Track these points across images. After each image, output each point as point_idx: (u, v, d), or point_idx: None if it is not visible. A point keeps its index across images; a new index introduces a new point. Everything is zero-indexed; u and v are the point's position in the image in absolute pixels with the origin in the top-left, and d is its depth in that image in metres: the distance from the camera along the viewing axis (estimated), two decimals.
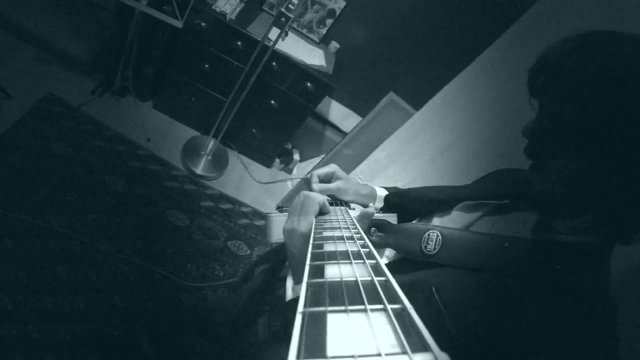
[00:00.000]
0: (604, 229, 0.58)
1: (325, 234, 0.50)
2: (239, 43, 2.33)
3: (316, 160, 2.89)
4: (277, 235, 0.73)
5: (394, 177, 2.21)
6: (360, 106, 2.84)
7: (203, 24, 2.27)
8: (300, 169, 2.96)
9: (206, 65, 2.44)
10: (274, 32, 2.07)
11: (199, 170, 2.60)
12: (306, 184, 0.98)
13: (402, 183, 2.13)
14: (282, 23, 2.05)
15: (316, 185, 0.94)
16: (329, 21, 2.53)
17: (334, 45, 2.59)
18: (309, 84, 2.43)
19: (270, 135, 2.77)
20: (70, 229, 2.02)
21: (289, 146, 2.97)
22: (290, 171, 2.97)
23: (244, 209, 2.63)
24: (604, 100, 0.51)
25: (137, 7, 2.01)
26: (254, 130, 2.74)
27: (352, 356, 0.21)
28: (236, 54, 2.39)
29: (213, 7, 2.24)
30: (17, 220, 1.92)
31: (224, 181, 2.70)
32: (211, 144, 2.60)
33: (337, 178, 0.97)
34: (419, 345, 0.21)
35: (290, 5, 2.16)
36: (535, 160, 0.63)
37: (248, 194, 2.73)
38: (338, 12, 2.49)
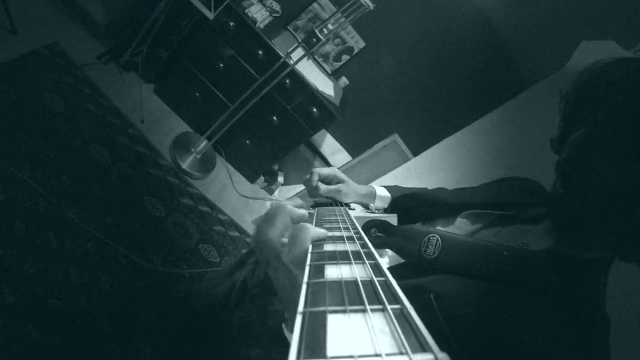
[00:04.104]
0: (619, 246, 0.58)
1: None
2: (260, 52, 2.36)
3: (298, 187, 2.88)
4: None
5: None
6: (352, 146, 2.92)
7: (232, 23, 2.29)
8: (282, 192, 2.92)
9: (221, 65, 2.44)
10: (297, 52, 2.14)
11: (185, 165, 2.49)
12: (305, 184, 0.96)
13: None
14: (312, 44, 2.13)
15: (320, 185, 0.91)
16: (345, 57, 2.66)
17: (344, 80, 2.70)
18: (315, 110, 2.47)
19: (262, 150, 2.74)
20: (40, 184, 1.83)
21: (276, 167, 2.95)
22: (272, 191, 2.92)
23: (221, 216, 2.53)
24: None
25: None
26: (247, 142, 2.71)
27: (352, 356, 0.21)
28: (254, 63, 2.41)
29: (246, 10, 2.29)
30: None
31: (207, 184, 2.60)
32: (203, 144, 2.53)
33: (338, 181, 0.95)
34: (418, 345, 0.21)
35: (324, 29, 2.26)
36: (572, 174, 0.60)
37: (228, 203, 2.63)
38: (356, 50, 2.63)
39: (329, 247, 0.42)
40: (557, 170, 0.63)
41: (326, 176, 0.93)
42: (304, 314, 0.25)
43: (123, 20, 2.45)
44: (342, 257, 0.37)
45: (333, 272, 0.34)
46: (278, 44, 2.37)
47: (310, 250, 0.41)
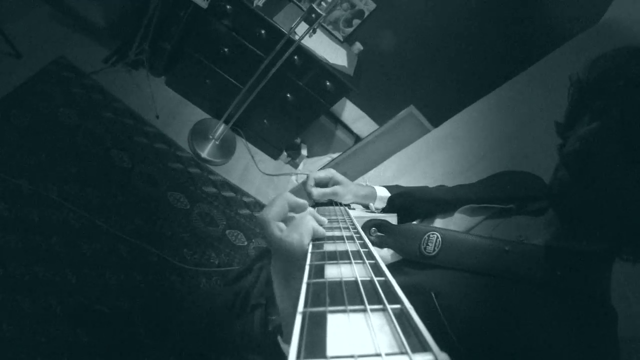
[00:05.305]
0: (620, 240, 0.56)
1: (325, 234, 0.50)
2: (262, 32, 2.26)
3: (324, 158, 2.86)
4: None
5: None
6: (374, 111, 2.80)
7: (228, 6, 2.19)
8: (307, 165, 2.92)
9: (226, 49, 2.37)
10: (301, 26, 2.02)
11: (205, 154, 2.55)
12: (303, 187, 0.95)
13: None
14: (312, 20, 1.99)
15: (314, 190, 0.91)
16: (356, 22, 2.47)
17: (358, 46, 2.53)
18: (328, 83, 2.38)
19: (281, 127, 2.72)
20: (69, 200, 1.97)
21: (298, 141, 2.93)
22: (296, 165, 2.94)
23: (245, 199, 2.60)
24: None
25: None
26: (265, 121, 2.69)
27: (352, 356, 0.21)
28: (259, 43, 2.32)
29: None
30: (15, 185, 1.87)
31: (229, 168, 2.66)
32: (221, 128, 2.55)
33: (335, 183, 0.94)
34: (418, 345, 0.21)
35: (323, 2, 2.09)
36: (578, 167, 0.57)
37: (252, 184, 2.69)
38: (367, 13, 2.42)
39: (328, 247, 0.43)
40: (562, 160, 0.60)
41: (322, 179, 0.94)
42: (304, 313, 0.26)
43: (123, 20, 2.41)
44: (342, 257, 0.38)
45: (333, 271, 0.34)
46: (281, 20, 2.25)
47: (310, 250, 0.42)
